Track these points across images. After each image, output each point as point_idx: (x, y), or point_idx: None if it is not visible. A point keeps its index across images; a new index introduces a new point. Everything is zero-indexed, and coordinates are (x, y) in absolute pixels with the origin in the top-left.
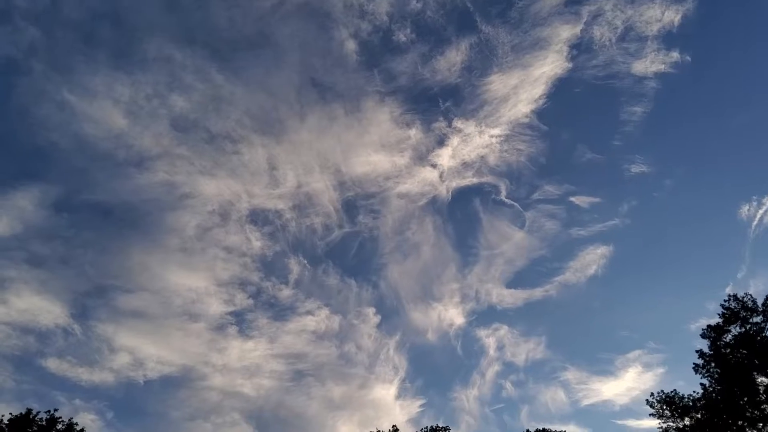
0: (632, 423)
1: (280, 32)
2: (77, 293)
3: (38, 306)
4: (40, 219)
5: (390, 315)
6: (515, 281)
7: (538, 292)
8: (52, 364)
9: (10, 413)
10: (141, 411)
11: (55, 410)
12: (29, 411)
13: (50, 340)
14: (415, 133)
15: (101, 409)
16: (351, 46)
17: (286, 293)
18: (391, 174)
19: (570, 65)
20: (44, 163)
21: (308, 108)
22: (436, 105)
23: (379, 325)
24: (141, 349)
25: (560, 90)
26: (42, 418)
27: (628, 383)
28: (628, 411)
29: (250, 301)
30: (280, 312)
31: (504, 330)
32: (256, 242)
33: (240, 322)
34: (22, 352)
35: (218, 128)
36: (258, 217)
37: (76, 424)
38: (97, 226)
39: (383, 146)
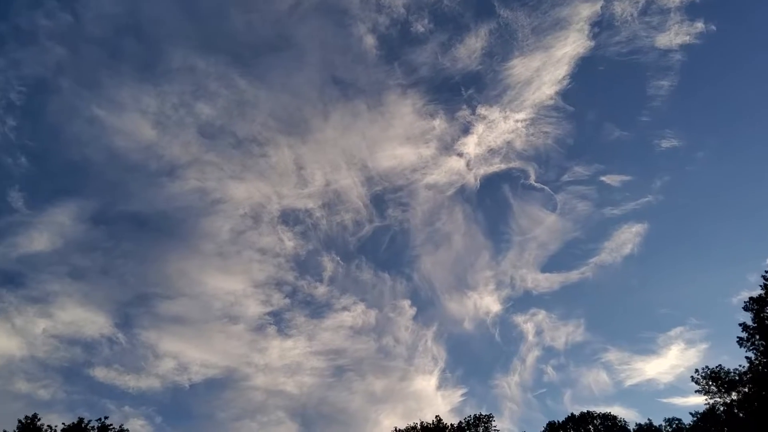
0: (678, 401)
1: (299, 32)
2: (119, 303)
3: (83, 317)
4: (79, 233)
5: (425, 306)
6: (550, 265)
7: (574, 275)
8: (100, 373)
9: (63, 423)
10: (188, 414)
11: (106, 418)
12: (81, 420)
13: (96, 350)
14: (439, 123)
15: (150, 414)
16: (370, 41)
17: (321, 291)
18: (417, 166)
19: (592, 43)
20: (79, 178)
21: (331, 106)
22: (459, 93)
23: (415, 317)
24: (185, 354)
25: (584, 69)
26: (94, 426)
27: (672, 361)
28: (673, 389)
29: (287, 301)
30: (317, 309)
31: (542, 315)
32: (289, 242)
33: (278, 321)
34: (71, 363)
35: (244, 132)
36: (289, 218)
37: (127, 430)
38: (135, 236)
39: (408, 139)
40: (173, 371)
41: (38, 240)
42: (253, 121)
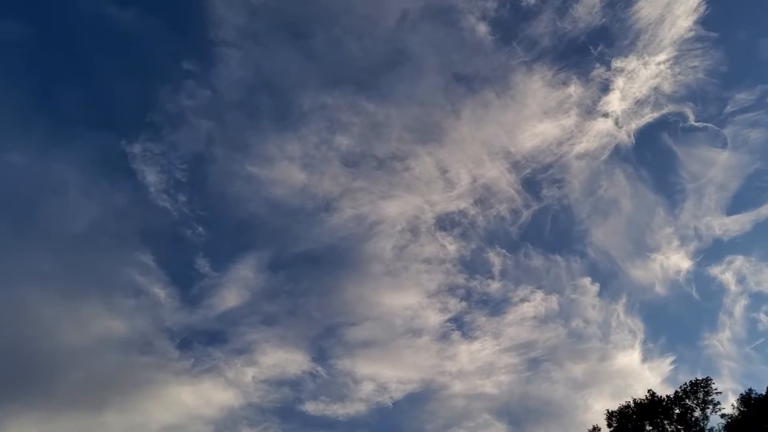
0: None
1: (412, 42)
2: (311, 338)
3: (283, 359)
4: (262, 282)
5: (608, 280)
6: (735, 206)
7: (765, 210)
8: (310, 407)
9: None
10: (398, 431)
11: None
12: None
13: (302, 387)
14: (574, 89)
15: None
16: (482, 29)
17: (494, 287)
18: (562, 138)
19: None
20: (250, 233)
21: (460, 103)
22: (588, 53)
23: (599, 294)
24: (381, 375)
25: None
26: None
27: None
28: None
29: (464, 304)
30: (495, 307)
31: (739, 260)
32: (451, 246)
33: (460, 326)
34: (283, 403)
35: (384, 152)
36: (445, 222)
37: None
38: (310, 273)
39: (546, 113)
40: (374, 393)
41: (229, 297)
42: (389, 139)
